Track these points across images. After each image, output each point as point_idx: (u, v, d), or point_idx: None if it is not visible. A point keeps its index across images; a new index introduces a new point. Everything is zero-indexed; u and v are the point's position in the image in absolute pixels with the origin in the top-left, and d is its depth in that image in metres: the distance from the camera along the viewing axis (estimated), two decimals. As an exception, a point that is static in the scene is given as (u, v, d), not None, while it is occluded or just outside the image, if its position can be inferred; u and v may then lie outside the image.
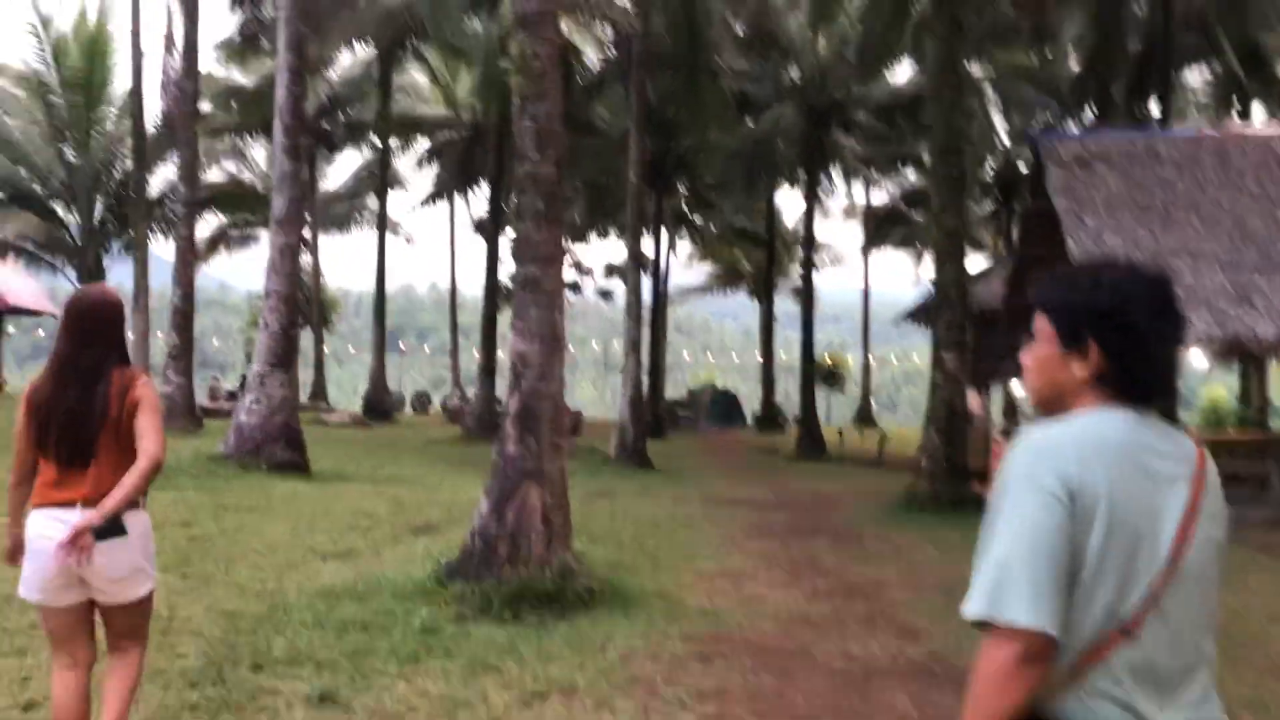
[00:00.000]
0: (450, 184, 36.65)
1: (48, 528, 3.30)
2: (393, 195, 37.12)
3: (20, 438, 3.44)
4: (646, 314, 26.66)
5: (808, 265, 25.51)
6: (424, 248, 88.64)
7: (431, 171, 38.03)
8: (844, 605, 7.25)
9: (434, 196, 38.39)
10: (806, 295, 25.11)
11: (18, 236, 29.80)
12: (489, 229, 26.26)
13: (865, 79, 23.57)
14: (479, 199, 46.38)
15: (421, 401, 41.15)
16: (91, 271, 30.87)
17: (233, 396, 34.45)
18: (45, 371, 3.50)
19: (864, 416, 42.03)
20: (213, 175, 33.09)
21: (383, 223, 32.62)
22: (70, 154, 30.59)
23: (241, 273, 50.71)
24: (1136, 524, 1.66)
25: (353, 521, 9.19)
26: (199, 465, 12.36)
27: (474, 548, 6.44)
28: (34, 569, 3.36)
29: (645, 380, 32.17)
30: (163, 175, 30.77)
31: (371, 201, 42.08)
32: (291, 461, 12.57)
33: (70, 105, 29.76)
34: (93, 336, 3.47)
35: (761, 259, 40.29)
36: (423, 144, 38.28)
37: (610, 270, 45.70)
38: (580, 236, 44.40)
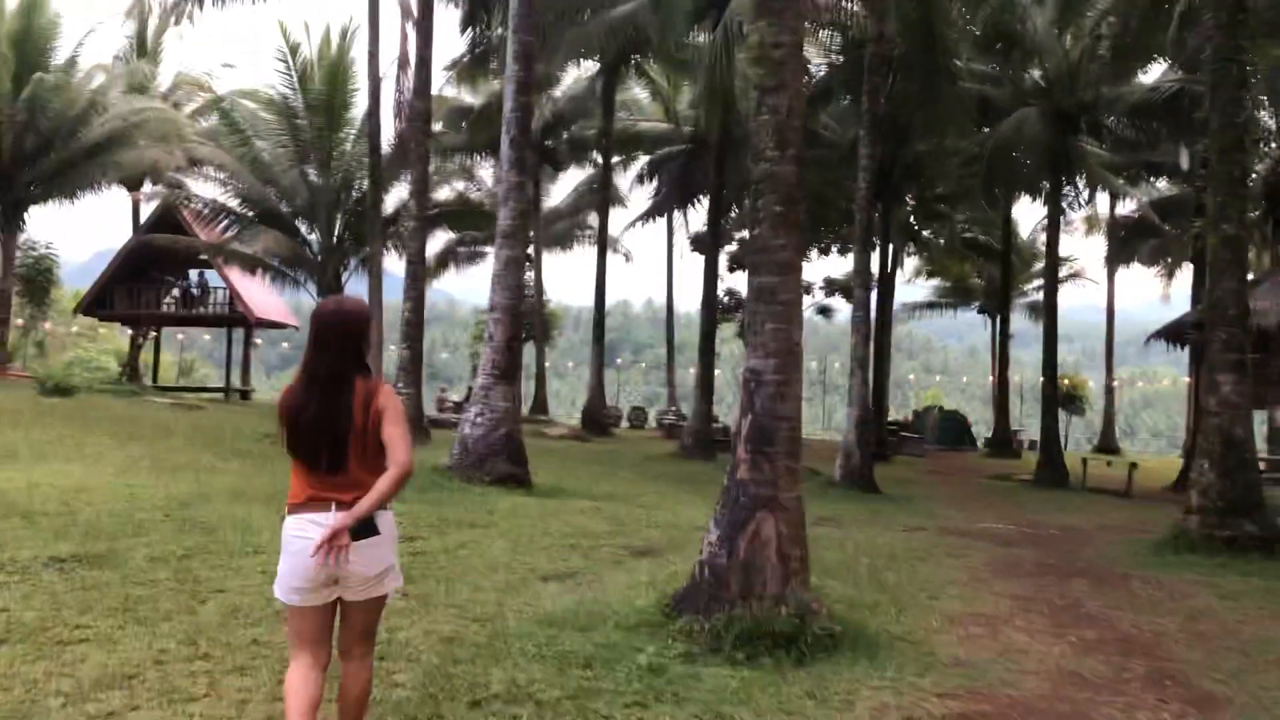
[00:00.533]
0: (669, 199, 36.56)
1: (304, 530, 3.42)
2: (612, 212, 37.41)
3: (280, 440, 3.61)
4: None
5: (1051, 279, 23.79)
6: (640, 264, 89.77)
7: (649, 187, 38.18)
8: (1121, 661, 6.28)
9: (652, 213, 38.45)
10: (1049, 311, 23.40)
11: (265, 253, 31.61)
12: (707, 243, 25.87)
13: (1118, 78, 21.80)
14: (697, 214, 46.49)
15: (638, 417, 41.23)
16: (331, 286, 32.46)
17: (459, 407, 35.52)
18: (295, 380, 3.63)
19: (1106, 443, 39.27)
20: (442, 194, 34.18)
21: (603, 239, 32.84)
22: (313, 174, 32.36)
23: (468, 288, 52.57)
24: None
25: (573, 540, 8.85)
26: (425, 478, 12.38)
27: (701, 579, 5.90)
28: (291, 570, 3.47)
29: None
30: (396, 194, 32.10)
31: (592, 219, 42.74)
32: (513, 475, 12.45)
33: (314, 128, 31.44)
34: (337, 346, 3.55)
35: (993, 273, 38.32)
36: (641, 160, 38.61)
37: (831, 287, 44.62)
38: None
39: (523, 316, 13.27)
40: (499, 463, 12.45)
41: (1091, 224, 41.36)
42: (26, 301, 45.04)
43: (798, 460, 5.93)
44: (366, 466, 3.45)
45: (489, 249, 39.14)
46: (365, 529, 3.38)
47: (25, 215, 32.79)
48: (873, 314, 22.27)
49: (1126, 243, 36.11)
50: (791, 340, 5.91)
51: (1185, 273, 32.46)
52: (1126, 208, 37.10)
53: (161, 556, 7.04)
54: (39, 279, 44.28)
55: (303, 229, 33.27)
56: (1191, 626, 7.44)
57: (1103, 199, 36.01)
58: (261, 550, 7.45)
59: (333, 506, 3.40)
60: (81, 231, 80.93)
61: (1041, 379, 26.27)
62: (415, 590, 6.54)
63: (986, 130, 24.19)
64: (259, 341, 52.03)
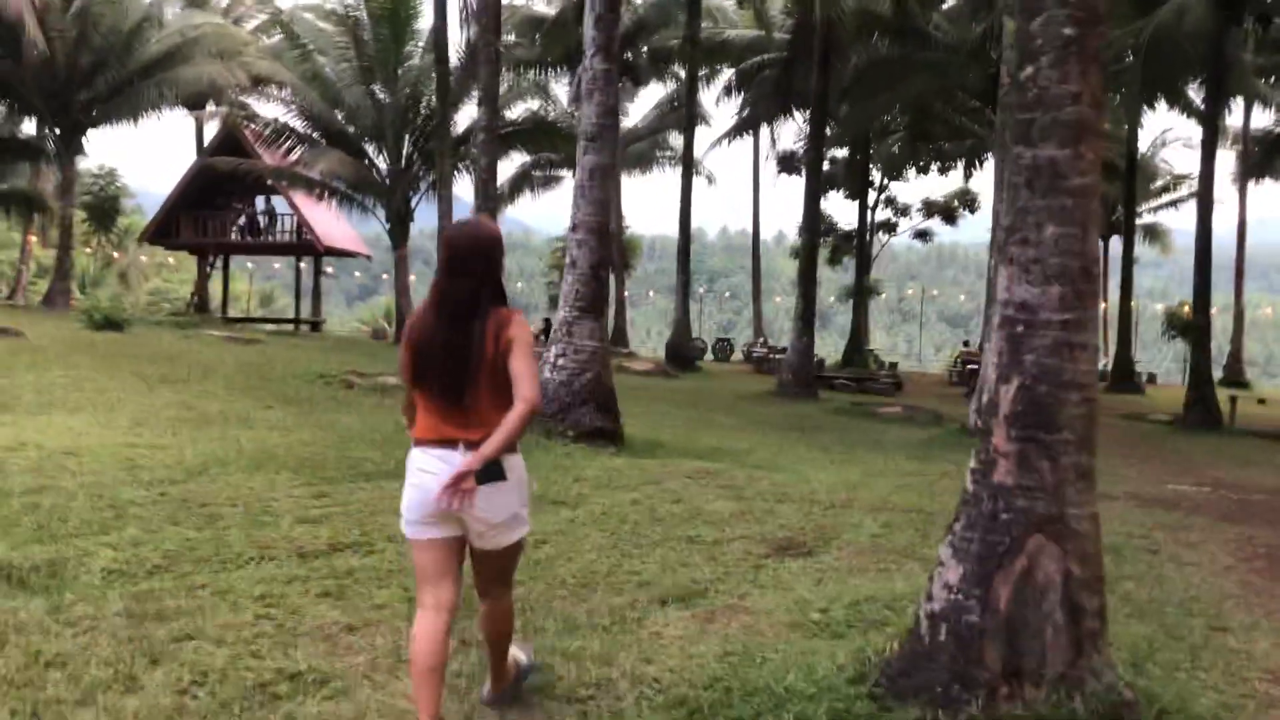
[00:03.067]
0: (759, 113, 33.74)
1: (429, 464, 3.29)
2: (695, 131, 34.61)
3: (403, 371, 3.43)
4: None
5: (1206, 196, 20.71)
6: (715, 189, 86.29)
7: (733, 104, 35.41)
8: None
9: (740, 129, 35.64)
10: (1203, 232, 20.41)
11: (330, 176, 29.71)
12: (809, 157, 23.23)
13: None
14: (786, 133, 43.47)
15: (723, 349, 38.93)
16: (400, 212, 30.61)
17: (536, 339, 33.68)
18: (424, 305, 3.43)
19: (1233, 375, 36.02)
20: (514, 112, 31.82)
21: (688, 159, 30.26)
22: (379, 91, 30.29)
23: (543, 216, 50.23)
24: None
25: (690, 529, 6.67)
26: (495, 430, 10.33)
27: (932, 642, 3.66)
28: (412, 503, 3.34)
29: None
30: (467, 112, 30.01)
31: (673, 139, 40.08)
32: (602, 429, 10.30)
33: (378, 40, 29.32)
34: (469, 270, 3.37)
35: (1109, 193, 35.07)
36: (725, 74, 35.82)
37: (930, 209, 41.58)
38: (896, 173, 40.63)
39: (611, 238, 10.98)
40: (586, 413, 10.30)
41: (1221, 135, 37.62)
42: (94, 230, 44.12)
43: (1093, 454, 3.61)
44: (494, 401, 3.27)
45: (566, 173, 36.91)
46: (491, 472, 3.18)
47: (85, 139, 31.28)
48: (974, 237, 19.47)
49: (1268, 157, 32.45)
50: (1087, 256, 3.57)
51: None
52: (1265, 119, 33.45)
53: (125, 568, 5.01)
54: (105, 205, 43.31)
55: (370, 151, 31.42)
56: None
57: (1236, 108, 32.42)
58: (272, 554, 5.40)
59: (460, 446, 3.24)
60: (160, 159, 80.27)
61: (1161, 307, 23.43)
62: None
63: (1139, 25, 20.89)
64: (331, 270, 50.73)
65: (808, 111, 31.60)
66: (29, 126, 34.98)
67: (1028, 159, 3.62)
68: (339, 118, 31.05)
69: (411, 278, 32.07)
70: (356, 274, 72.16)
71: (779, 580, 5.57)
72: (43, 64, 28.45)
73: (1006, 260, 3.67)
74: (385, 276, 57.11)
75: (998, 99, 25.91)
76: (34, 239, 40.40)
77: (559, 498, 7.39)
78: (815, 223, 23.31)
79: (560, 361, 10.51)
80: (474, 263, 3.37)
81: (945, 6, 27.49)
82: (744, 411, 17.87)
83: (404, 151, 30.69)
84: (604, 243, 10.74)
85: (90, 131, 31.23)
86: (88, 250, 48.68)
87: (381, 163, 31.08)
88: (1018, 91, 3.67)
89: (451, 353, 3.29)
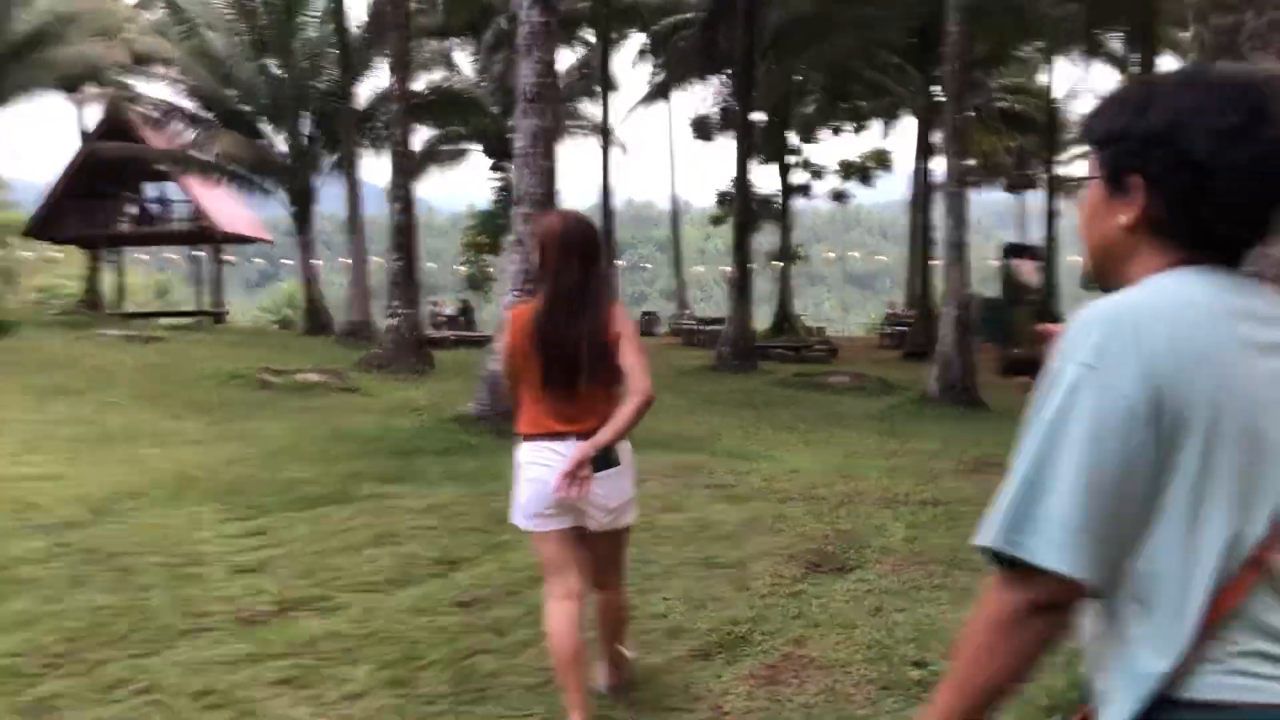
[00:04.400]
0: (676, 77, 32.69)
1: (544, 457, 3.32)
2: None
3: (509, 367, 3.48)
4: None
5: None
6: (617, 159, 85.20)
7: (640, 72, 34.32)
8: None
9: (655, 95, 34.57)
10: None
11: (226, 158, 27.90)
12: (740, 120, 22.31)
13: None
14: (697, 98, 42.46)
15: (648, 322, 38.01)
16: (303, 193, 28.95)
17: (454, 322, 32.29)
18: (543, 298, 3.39)
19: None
20: (417, 85, 30.28)
21: (606, 130, 29.12)
22: (275, 67, 28.54)
23: (447, 193, 48.42)
24: (1257, 425, 1.20)
25: (699, 546, 5.72)
26: (443, 433, 9.24)
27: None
28: (530, 498, 3.37)
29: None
30: (369, 86, 28.47)
31: (583, 108, 38.83)
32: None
33: (269, 12, 27.56)
34: (586, 260, 3.39)
35: (1027, 148, 35.06)
36: (635, 40, 34.71)
37: (848, 170, 41.08)
38: (811, 133, 39.98)
39: (555, 209, 9.91)
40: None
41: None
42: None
43: None
44: (606, 391, 3.36)
45: (475, 146, 35.50)
46: (606, 459, 3.24)
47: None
48: (900, 195, 18.96)
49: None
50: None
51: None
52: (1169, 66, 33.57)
53: (13, 664, 3.87)
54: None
55: (268, 130, 29.63)
56: None
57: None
58: (207, 624, 4.30)
59: (573, 437, 3.28)
60: (37, 146, 75.99)
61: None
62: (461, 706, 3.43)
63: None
64: (231, 259, 48.49)
65: (727, 74, 30.80)
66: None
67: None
68: (232, 96, 29.20)
69: (318, 262, 30.49)
70: (257, 260, 69.44)
71: (830, 612, 4.65)
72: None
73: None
74: (287, 262, 54.87)
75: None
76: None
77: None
78: (746, 189, 22.42)
79: (511, 351, 9.44)
80: (589, 252, 3.41)
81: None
82: (688, 389, 16.96)
83: (304, 130, 29.01)
84: (551, 217, 9.67)
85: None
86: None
87: (281, 143, 29.35)
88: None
89: (575, 344, 3.31)
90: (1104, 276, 1.37)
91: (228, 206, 34.73)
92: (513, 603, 4.68)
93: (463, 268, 43.43)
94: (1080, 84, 42.09)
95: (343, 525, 6.02)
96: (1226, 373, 1.21)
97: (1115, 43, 26.11)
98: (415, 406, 11.68)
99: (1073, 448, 1.19)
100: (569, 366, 3.31)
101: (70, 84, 30.79)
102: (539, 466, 3.31)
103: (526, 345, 3.35)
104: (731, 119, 34.91)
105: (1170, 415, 1.18)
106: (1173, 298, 1.24)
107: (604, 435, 3.22)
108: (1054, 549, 1.18)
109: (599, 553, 3.53)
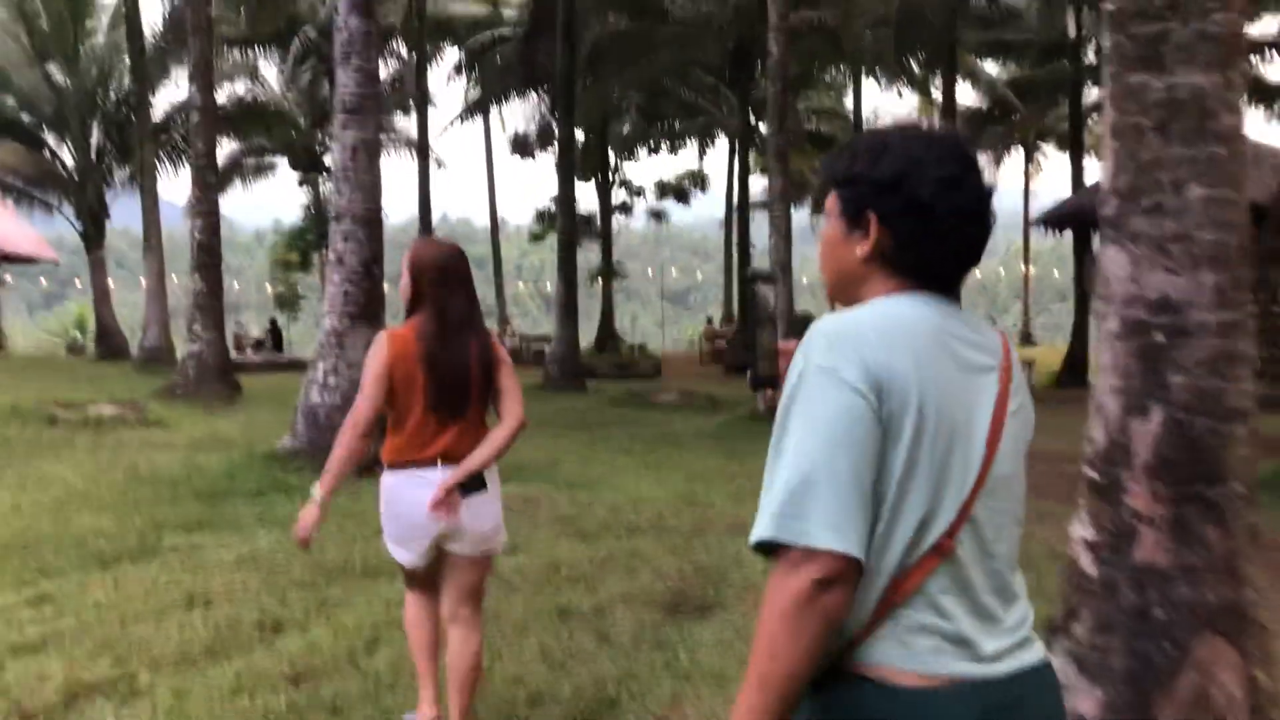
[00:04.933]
0: (493, 93, 32.16)
1: (412, 484, 3.29)
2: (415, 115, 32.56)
3: (378, 391, 3.32)
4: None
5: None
6: (433, 175, 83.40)
7: (456, 87, 33.65)
8: None
9: (472, 110, 33.93)
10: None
11: (4, 171, 25.70)
12: (562, 135, 21.96)
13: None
14: (517, 114, 41.98)
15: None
16: (93, 209, 26.94)
17: (260, 345, 30.58)
18: (424, 322, 3.35)
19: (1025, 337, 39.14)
20: (221, 96, 28.71)
21: (424, 146, 28.26)
22: (57, 74, 26.47)
23: (249, 208, 46.06)
24: (952, 421, 1.43)
25: (551, 593, 5.30)
26: (257, 471, 8.46)
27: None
28: (401, 528, 3.36)
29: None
30: (166, 96, 26.94)
31: (398, 122, 37.74)
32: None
33: (51, 15, 25.54)
34: (464, 285, 3.43)
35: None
36: (449, 54, 33.99)
37: (664, 189, 41.40)
38: (629, 152, 40.14)
39: (382, 229, 9.29)
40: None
41: (927, 111, 39.60)
42: None
43: (1255, 508, 2.56)
44: (478, 418, 3.38)
45: (279, 159, 33.97)
46: (475, 484, 3.30)
47: None
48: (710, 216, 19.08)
49: (975, 133, 34.22)
50: (1244, 229, 2.51)
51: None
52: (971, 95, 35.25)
53: None
54: None
55: (51, 141, 27.46)
56: None
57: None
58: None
59: (438, 462, 3.28)
60: None
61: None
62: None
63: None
64: (8, 278, 44.87)
65: (543, 89, 30.50)
66: None
67: (1159, 91, 2.50)
68: (10, 104, 26.93)
69: (110, 282, 28.44)
70: (41, 280, 64.63)
71: (700, 665, 4.31)
72: None
73: (1124, 238, 2.54)
74: (76, 282, 51.30)
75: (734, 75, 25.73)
76: None
77: (358, 562, 5.79)
78: (571, 205, 22.09)
79: (331, 380, 8.75)
80: (466, 278, 3.45)
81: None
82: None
83: (93, 141, 27.03)
84: (375, 234, 9.04)
85: None
86: None
87: (67, 155, 27.25)
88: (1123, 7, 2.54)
89: (459, 371, 3.32)
90: (841, 298, 1.59)
91: (6, 223, 32.04)
92: (351, 673, 4.14)
93: (270, 286, 41.54)
94: (883, 108, 43.69)
95: (145, 586, 5.30)
96: (932, 378, 1.40)
97: (918, 68, 27.09)
98: (221, 439, 10.79)
99: (819, 435, 1.35)
100: (458, 391, 3.32)
101: None
102: (410, 492, 3.29)
103: (411, 369, 3.30)
104: (550, 135, 34.81)
105: (887, 408, 1.37)
106: (893, 314, 1.46)
107: (477, 458, 3.27)
108: (826, 529, 1.32)
109: (461, 579, 3.47)
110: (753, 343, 1.80)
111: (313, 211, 32.57)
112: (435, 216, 30.57)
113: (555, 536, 6.53)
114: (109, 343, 25.81)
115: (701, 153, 36.21)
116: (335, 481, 3.33)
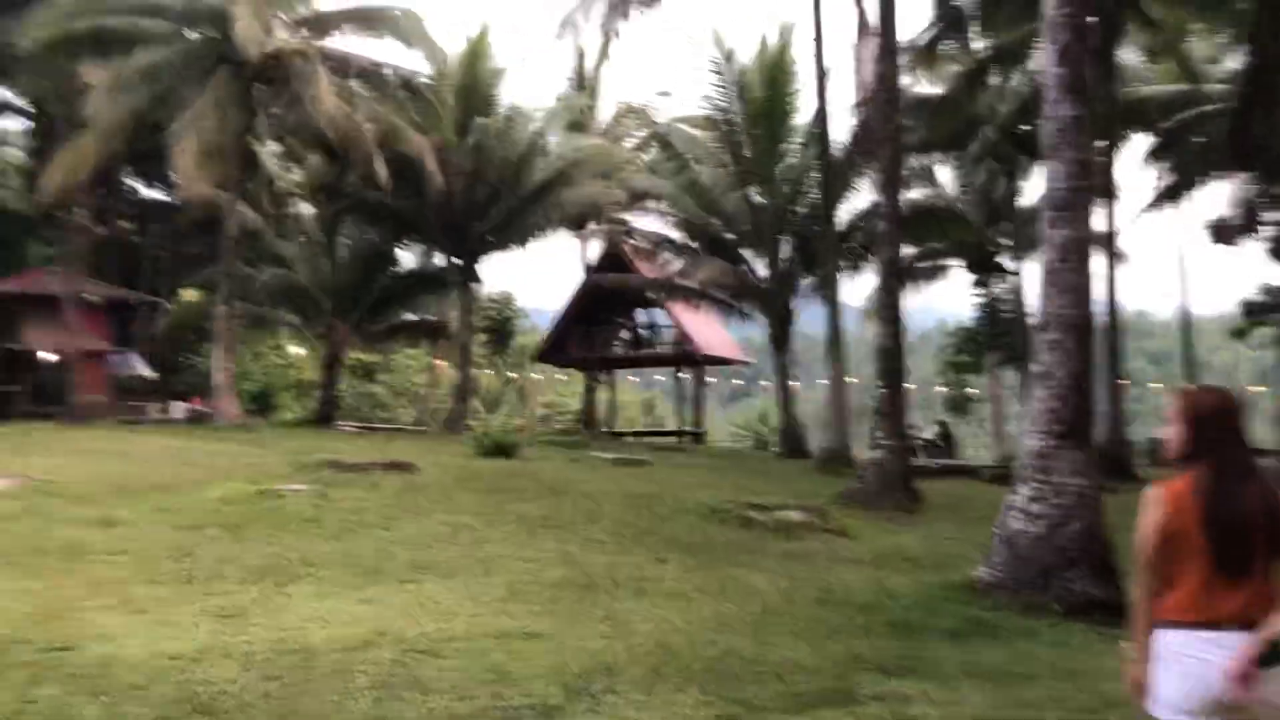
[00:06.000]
0: (1192, 176, 29.10)
1: (1202, 649, 3.08)
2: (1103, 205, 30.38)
3: (1157, 543, 3.21)
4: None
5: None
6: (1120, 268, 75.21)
7: (1148, 172, 30.74)
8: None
9: (1165, 197, 31.00)
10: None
11: (709, 285, 28.79)
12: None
13: None
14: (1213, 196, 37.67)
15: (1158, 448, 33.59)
16: (781, 316, 28.97)
17: (933, 448, 30.31)
18: (1204, 477, 3.20)
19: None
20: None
21: (1111, 239, 26.23)
22: (756, 194, 29.09)
23: (916, 310, 46.17)
24: None
25: None
26: (951, 603, 7.75)
27: None
28: (1185, 692, 3.10)
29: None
30: (845, 208, 28.17)
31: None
32: (1099, 600, 7.43)
33: (754, 141, 28.19)
34: (1242, 435, 3.35)
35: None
36: (1136, 140, 31.42)
37: None
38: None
39: (1091, 337, 8.21)
40: (1075, 579, 7.49)
41: None
42: (493, 351, 46.41)
43: None
44: (1265, 578, 3.12)
45: (952, 261, 33.91)
46: (1274, 655, 3.00)
47: (478, 265, 32.40)
48: None
49: None
50: None
51: None
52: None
53: None
54: (503, 327, 45.49)
55: (748, 256, 30.27)
56: None
57: None
58: None
59: (1234, 629, 3.05)
60: (543, 277, 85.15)
61: None
62: None
63: None
64: (711, 380, 50.35)
65: (1255, 169, 26.86)
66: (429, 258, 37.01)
67: None
68: (716, 225, 30.21)
69: (795, 383, 30.31)
70: (735, 381, 71.81)
71: None
72: (443, 200, 29.62)
73: None
74: (760, 381, 56.19)
75: None
76: (443, 363, 42.83)
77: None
78: None
79: (1035, 508, 7.80)
80: (1241, 426, 3.34)
81: None
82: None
83: (783, 254, 29.20)
84: (1084, 343, 8.01)
85: (483, 257, 32.32)
86: (489, 371, 51.37)
87: (761, 267, 29.77)
88: None
89: (1244, 523, 3.12)
90: None
91: (708, 329, 35.96)
92: None
93: (939, 387, 41.51)
94: None
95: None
96: None
97: None
98: (908, 556, 10.33)
99: None
100: (1244, 547, 3.11)
101: (575, 222, 33.60)
102: (1194, 659, 3.07)
103: (1189, 525, 3.15)
104: (1254, 220, 30.80)
105: None
106: None
107: (1275, 626, 3.01)
108: None
109: None
110: None
111: (987, 313, 31.97)
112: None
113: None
114: (791, 440, 27.31)
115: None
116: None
